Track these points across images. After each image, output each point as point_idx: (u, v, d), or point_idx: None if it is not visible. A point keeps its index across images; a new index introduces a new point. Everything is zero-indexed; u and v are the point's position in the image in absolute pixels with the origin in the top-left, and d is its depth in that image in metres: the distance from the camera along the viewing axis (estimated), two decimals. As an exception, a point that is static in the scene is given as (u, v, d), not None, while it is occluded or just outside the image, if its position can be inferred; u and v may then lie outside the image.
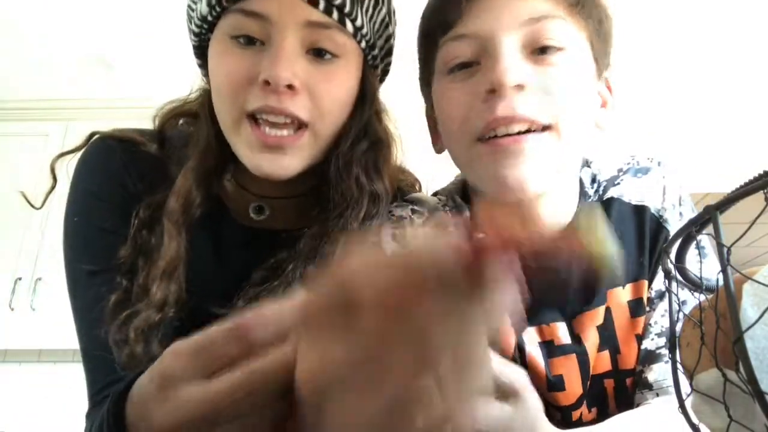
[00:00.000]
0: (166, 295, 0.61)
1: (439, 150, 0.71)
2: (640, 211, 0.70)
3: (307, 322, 0.30)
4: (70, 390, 2.39)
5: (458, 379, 0.27)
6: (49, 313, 2.38)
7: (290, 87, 0.60)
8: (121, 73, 2.62)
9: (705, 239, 0.64)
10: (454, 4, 0.62)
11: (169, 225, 0.64)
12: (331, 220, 0.67)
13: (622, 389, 0.66)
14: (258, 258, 0.67)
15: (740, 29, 2.27)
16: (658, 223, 0.69)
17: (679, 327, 0.39)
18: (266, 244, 0.68)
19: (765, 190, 0.29)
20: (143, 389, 0.35)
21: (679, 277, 0.40)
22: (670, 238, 0.40)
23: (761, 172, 0.30)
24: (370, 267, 0.27)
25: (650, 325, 0.65)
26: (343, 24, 0.62)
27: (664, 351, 0.64)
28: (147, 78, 2.60)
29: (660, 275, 0.67)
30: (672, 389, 0.61)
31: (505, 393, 0.39)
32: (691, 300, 0.38)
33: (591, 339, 0.65)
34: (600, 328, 0.66)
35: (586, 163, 0.74)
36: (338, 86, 0.65)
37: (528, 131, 0.59)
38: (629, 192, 0.71)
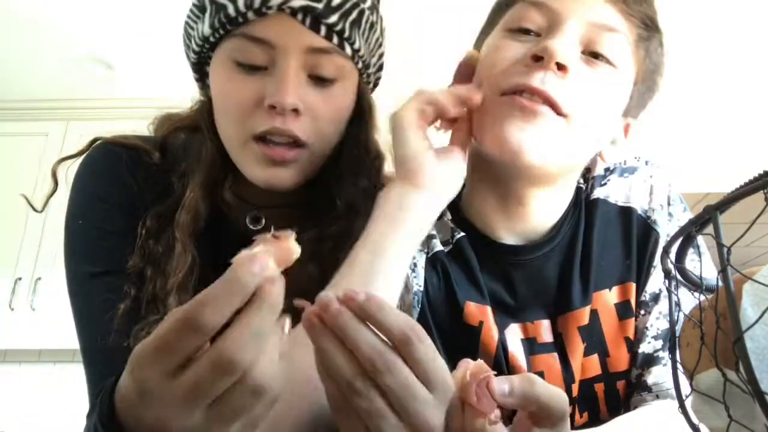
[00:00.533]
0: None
1: None
2: (626, 212, 0.70)
3: None
4: (70, 390, 2.39)
5: None
6: (49, 313, 2.38)
7: (294, 110, 0.63)
8: (121, 73, 2.62)
9: (699, 239, 0.64)
10: None
11: (182, 237, 0.66)
12: (336, 225, 0.70)
13: (613, 393, 0.66)
14: None
15: (740, 29, 2.27)
16: (646, 225, 0.69)
17: (679, 327, 0.39)
18: None
19: (765, 190, 0.29)
20: (123, 390, 0.36)
21: (679, 277, 0.40)
22: (670, 237, 0.40)
23: (761, 172, 0.30)
24: None
25: (646, 328, 0.65)
26: (343, 48, 0.65)
27: (662, 354, 0.64)
28: (147, 78, 2.60)
29: (653, 277, 0.67)
30: (671, 391, 0.61)
31: (554, 419, 0.39)
32: (688, 300, 0.38)
33: (573, 339, 0.66)
34: (584, 330, 0.66)
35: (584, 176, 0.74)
36: (337, 108, 0.68)
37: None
38: (615, 192, 0.71)
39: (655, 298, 0.66)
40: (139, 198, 0.69)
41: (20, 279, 2.53)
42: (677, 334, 0.39)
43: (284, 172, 0.66)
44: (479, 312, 0.67)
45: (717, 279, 0.32)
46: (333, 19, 0.63)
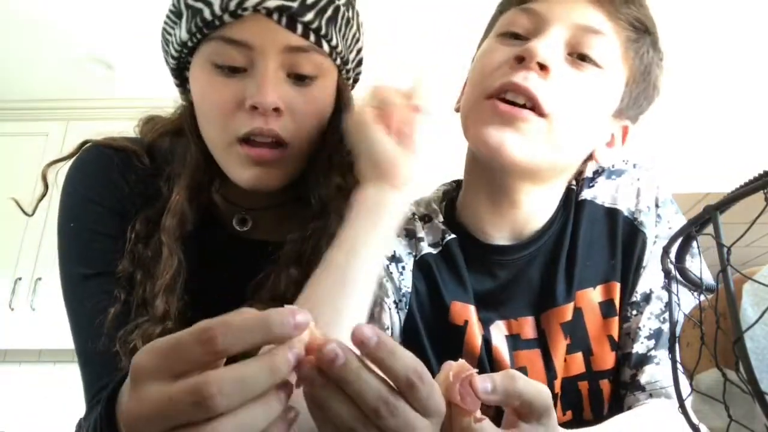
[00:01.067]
0: (167, 309, 0.64)
1: (456, 109, 0.73)
2: (611, 213, 0.71)
3: None
4: (69, 390, 2.38)
5: None
6: (49, 313, 2.38)
7: (276, 110, 0.64)
8: (121, 73, 2.63)
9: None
10: None
11: (168, 241, 0.66)
12: (312, 224, 0.70)
13: (597, 392, 0.67)
14: (244, 267, 0.69)
15: (740, 29, 2.27)
16: (633, 226, 0.70)
17: (679, 327, 0.39)
18: (252, 254, 0.71)
19: (765, 190, 0.29)
20: (125, 387, 0.36)
21: (679, 277, 0.40)
22: (670, 238, 0.40)
23: (761, 172, 0.30)
24: None
25: (639, 328, 0.66)
26: (320, 45, 0.66)
27: (654, 353, 0.65)
28: (147, 78, 2.59)
29: (643, 278, 0.68)
30: (665, 390, 0.62)
31: (539, 413, 0.40)
32: (688, 300, 0.38)
33: (555, 335, 0.67)
34: (567, 326, 0.67)
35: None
36: (317, 106, 0.68)
37: (529, 109, 0.61)
38: (602, 194, 0.72)
39: (647, 298, 0.67)
40: (130, 200, 0.70)
41: (20, 279, 2.53)
42: (677, 334, 0.39)
43: (268, 173, 0.67)
44: (464, 311, 0.68)
45: (717, 279, 0.32)
46: (309, 17, 0.63)
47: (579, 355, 0.67)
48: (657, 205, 0.71)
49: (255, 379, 0.31)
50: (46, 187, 0.75)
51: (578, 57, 0.63)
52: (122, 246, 0.67)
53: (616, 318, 0.67)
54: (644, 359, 0.65)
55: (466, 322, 0.67)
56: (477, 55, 0.71)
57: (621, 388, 0.66)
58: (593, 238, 0.70)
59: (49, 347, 2.54)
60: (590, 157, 0.71)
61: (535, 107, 0.61)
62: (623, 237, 0.69)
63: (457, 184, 0.79)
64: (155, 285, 0.65)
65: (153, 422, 0.31)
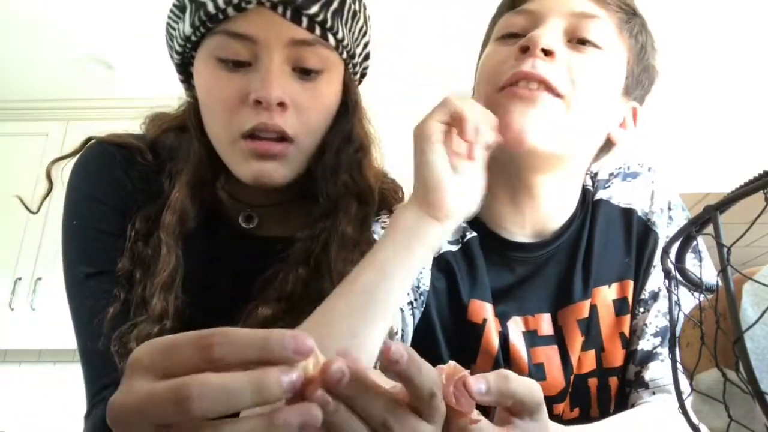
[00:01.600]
0: (164, 307, 0.63)
1: None
2: (627, 213, 0.72)
3: None
4: (69, 390, 2.39)
5: None
6: (49, 313, 2.38)
7: (281, 104, 0.63)
8: (121, 73, 2.62)
9: (700, 241, 0.65)
10: None
11: (167, 239, 0.65)
12: (321, 223, 0.69)
13: (605, 389, 0.67)
14: (251, 265, 0.68)
15: (740, 29, 2.27)
16: (646, 226, 0.72)
17: (679, 327, 0.39)
18: (258, 251, 0.70)
19: (765, 190, 0.29)
20: None
21: (679, 277, 0.40)
22: (670, 237, 0.40)
23: (761, 172, 0.30)
24: None
25: (646, 325, 0.67)
26: (326, 39, 0.65)
27: (659, 350, 0.65)
28: (147, 78, 2.59)
29: (653, 276, 0.69)
30: (669, 387, 0.62)
31: (531, 410, 0.40)
32: (688, 300, 0.38)
33: (572, 332, 0.67)
34: (583, 323, 0.68)
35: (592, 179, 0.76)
36: (323, 101, 0.67)
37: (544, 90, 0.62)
38: (618, 195, 0.74)
39: (654, 296, 0.68)
40: (133, 198, 0.69)
41: (20, 279, 2.53)
42: (677, 334, 0.39)
43: (272, 168, 0.65)
44: (483, 309, 0.68)
45: (717, 279, 0.32)
46: (314, 9, 0.62)
47: (592, 353, 0.68)
48: (670, 208, 0.72)
49: (238, 392, 0.29)
50: (51, 184, 0.74)
51: (578, 42, 0.65)
52: (124, 244, 0.66)
53: (628, 316, 0.68)
54: (649, 356, 0.65)
55: (485, 320, 0.67)
56: (480, 62, 0.72)
57: (626, 385, 0.67)
58: (609, 237, 0.71)
59: (49, 347, 2.54)
60: (605, 146, 0.72)
61: (549, 90, 0.62)
62: (637, 236, 0.71)
63: None
64: (153, 283, 0.64)
65: (133, 416, 0.30)
